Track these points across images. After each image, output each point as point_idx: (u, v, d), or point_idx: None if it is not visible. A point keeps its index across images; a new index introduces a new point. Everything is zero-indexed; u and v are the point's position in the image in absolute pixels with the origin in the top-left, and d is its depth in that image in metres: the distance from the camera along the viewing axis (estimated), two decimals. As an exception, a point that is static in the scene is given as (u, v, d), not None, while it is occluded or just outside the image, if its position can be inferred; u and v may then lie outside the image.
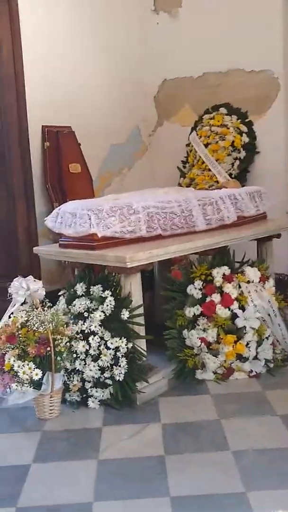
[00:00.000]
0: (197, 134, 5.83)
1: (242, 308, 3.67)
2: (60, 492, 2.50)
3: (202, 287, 3.71)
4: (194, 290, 3.72)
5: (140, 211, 3.44)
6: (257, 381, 3.61)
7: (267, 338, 3.74)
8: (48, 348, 3.03)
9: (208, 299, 3.67)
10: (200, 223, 3.78)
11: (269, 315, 3.75)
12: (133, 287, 3.33)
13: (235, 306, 3.65)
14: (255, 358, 3.68)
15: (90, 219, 3.22)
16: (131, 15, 6.10)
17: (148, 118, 6.41)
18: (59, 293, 3.57)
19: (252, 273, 3.79)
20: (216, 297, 3.66)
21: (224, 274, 3.74)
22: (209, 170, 5.66)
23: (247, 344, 3.64)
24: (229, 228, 3.99)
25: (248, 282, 3.76)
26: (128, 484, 2.53)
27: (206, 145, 5.71)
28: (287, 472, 2.55)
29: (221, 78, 5.78)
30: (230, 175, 5.56)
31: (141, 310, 3.36)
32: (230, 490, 2.45)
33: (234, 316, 3.66)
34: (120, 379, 3.24)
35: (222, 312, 3.62)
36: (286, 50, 5.38)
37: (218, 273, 3.73)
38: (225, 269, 3.75)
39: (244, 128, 5.60)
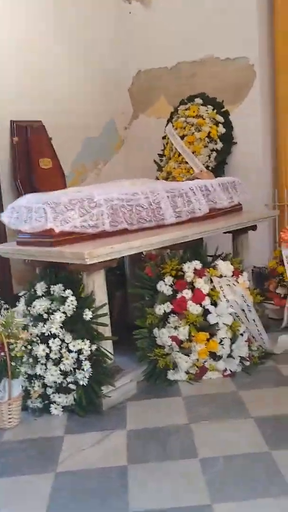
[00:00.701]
0: (173, 126, 5.59)
1: (215, 304, 3.44)
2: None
3: (172, 283, 3.49)
4: (164, 286, 3.49)
5: (102, 204, 3.20)
6: (231, 380, 3.38)
7: (241, 334, 3.51)
8: (3, 353, 2.79)
9: (179, 296, 3.44)
10: (169, 216, 3.54)
11: (243, 310, 3.52)
12: (97, 285, 3.10)
13: (207, 302, 3.43)
14: (230, 356, 3.45)
15: (46, 213, 2.97)
16: (103, 4, 5.85)
17: (124, 111, 6.17)
18: (19, 294, 3.32)
19: (225, 267, 3.57)
20: (187, 293, 3.43)
21: (195, 269, 3.51)
22: (186, 162, 5.43)
23: (221, 341, 3.42)
24: (200, 221, 3.76)
25: (221, 276, 3.53)
26: (85, 500, 2.29)
27: (182, 137, 5.48)
28: (257, 480, 2.32)
29: (196, 68, 5.54)
30: (207, 167, 5.33)
31: (105, 310, 3.13)
32: (195, 502, 2.22)
33: (206, 312, 3.43)
34: (84, 384, 3.01)
35: (194, 308, 3.39)
36: (261, 36, 5.15)
37: (189, 268, 3.50)
38: (197, 264, 3.52)
39: (220, 119, 5.37)
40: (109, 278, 3.90)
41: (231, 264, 3.66)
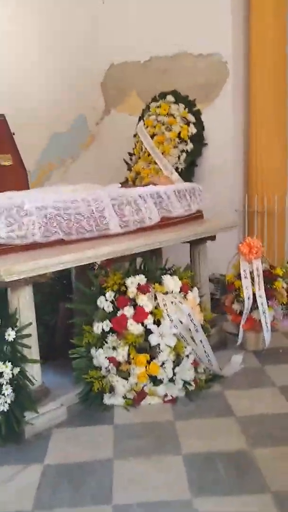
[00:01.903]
0: (144, 124, 5.25)
1: (158, 323, 3.13)
2: None
3: (114, 299, 3.17)
4: (105, 302, 3.17)
5: (33, 213, 2.88)
6: (171, 407, 3.08)
7: (187, 356, 3.20)
8: None
9: (119, 313, 3.13)
10: (113, 225, 3.22)
11: (190, 330, 3.21)
12: (22, 302, 2.79)
13: (149, 321, 3.11)
14: (172, 380, 3.14)
15: None
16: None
17: (95, 106, 5.82)
18: None
19: (172, 282, 3.25)
20: (128, 311, 3.12)
21: (139, 284, 3.19)
22: (156, 163, 5.09)
23: (162, 364, 3.11)
24: (151, 231, 3.43)
25: (166, 293, 3.21)
26: None
27: (152, 136, 5.14)
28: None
29: (168, 63, 5.19)
30: (176, 169, 5.00)
31: (31, 330, 2.81)
32: None
33: (148, 332, 3.12)
34: (5, 410, 2.70)
35: (134, 328, 3.08)
36: (235, 32, 4.81)
37: (133, 283, 3.19)
38: (141, 279, 3.20)
39: (191, 118, 5.03)
40: (55, 289, 3.62)
41: (180, 278, 3.34)
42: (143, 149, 5.22)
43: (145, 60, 5.35)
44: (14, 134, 5.00)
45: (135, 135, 5.37)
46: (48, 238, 2.94)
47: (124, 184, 3.84)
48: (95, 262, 3.44)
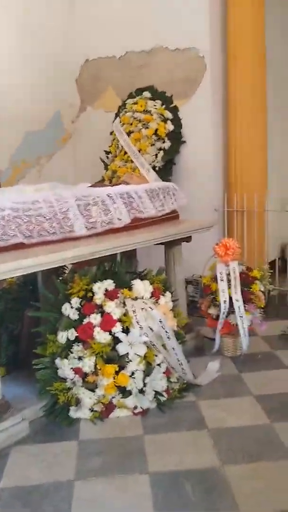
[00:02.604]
0: (120, 121, 5.06)
1: (127, 330, 2.94)
2: None
3: (80, 306, 2.97)
4: (70, 309, 2.97)
5: (-10, 215, 2.67)
6: (141, 420, 2.88)
7: (158, 365, 3.01)
8: None
9: (85, 321, 2.93)
10: (78, 227, 3.02)
11: (162, 337, 3.01)
12: (-23, 311, 2.58)
13: (117, 328, 2.92)
14: (142, 391, 2.95)
15: None
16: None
17: (71, 103, 5.61)
18: None
19: (142, 287, 3.05)
20: (95, 318, 2.92)
21: (106, 290, 2.99)
22: (132, 161, 4.90)
23: (132, 374, 2.92)
24: (120, 232, 3.24)
25: (136, 298, 3.02)
26: None
27: (129, 134, 4.95)
28: None
29: (145, 58, 5.00)
30: (153, 167, 4.81)
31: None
32: None
33: (116, 341, 2.92)
34: None
35: (101, 336, 2.89)
36: (212, 26, 4.62)
37: (100, 288, 2.99)
38: (109, 284, 3.01)
39: (168, 115, 4.84)
40: (20, 295, 3.41)
41: (152, 283, 3.15)
42: (119, 147, 5.03)
43: (120, 55, 5.15)
44: (-16, 132, 4.79)
45: (111, 133, 5.17)
46: (7, 242, 2.73)
47: (98, 183, 3.65)
48: (65, 266, 3.25)
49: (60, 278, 3.39)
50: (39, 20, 5.19)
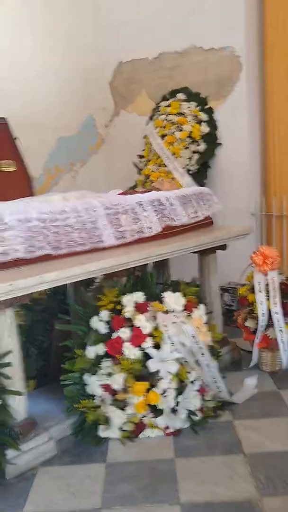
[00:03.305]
0: (154, 124, 4.90)
1: (158, 346, 2.76)
2: None
3: (109, 319, 2.82)
4: (99, 322, 2.82)
5: (15, 226, 2.55)
6: (173, 441, 2.70)
7: (192, 383, 2.83)
8: None
9: (114, 335, 2.77)
10: (107, 237, 2.87)
11: (194, 353, 2.82)
12: (1, 327, 2.45)
13: (148, 344, 2.75)
14: (174, 410, 2.77)
15: None
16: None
17: (105, 107, 5.48)
18: None
19: (173, 300, 2.87)
20: (124, 333, 2.76)
21: (136, 303, 2.83)
22: (166, 165, 4.73)
23: (163, 392, 2.74)
24: (151, 241, 3.07)
25: (167, 312, 2.84)
26: None
27: (162, 137, 4.78)
28: None
29: (179, 59, 4.82)
30: (187, 171, 4.63)
31: (13, 358, 2.48)
32: None
33: (147, 357, 2.75)
34: (-18, 447, 2.38)
35: (130, 352, 2.72)
36: (248, 23, 4.39)
37: (129, 301, 2.83)
38: (139, 296, 2.84)
39: (203, 116, 4.64)
40: (49, 306, 3.29)
41: (184, 295, 2.96)
42: (152, 151, 4.87)
43: (154, 56, 4.99)
44: (16, 138, 4.70)
45: (144, 137, 5.01)
46: (33, 254, 2.60)
47: (128, 190, 3.48)
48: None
49: (90, 288, 3.26)
50: (70, 24, 5.09)
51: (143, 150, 5.03)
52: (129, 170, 5.16)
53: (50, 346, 3.25)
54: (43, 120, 4.97)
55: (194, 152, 4.63)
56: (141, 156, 5.07)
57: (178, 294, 2.91)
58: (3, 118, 4.67)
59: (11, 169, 4.65)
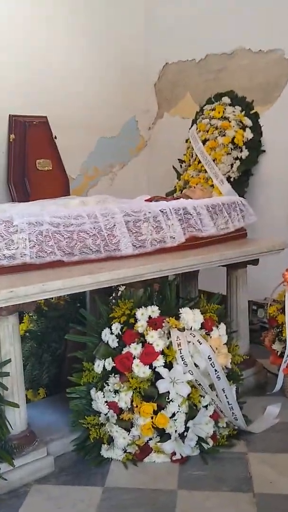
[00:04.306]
0: (197, 128, 4.69)
1: (170, 365, 2.56)
2: None
3: (120, 333, 2.64)
4: (110, 335, 2.65)
5: (25, 229, 2.42)
6: (179, 469, 2.49)
7: (205, 407, 2.60)
8: None
9: (125, 350, 2.59)
10: (124, 246, 2.69)
11: (211, 376, 2.60)
12: (2, 334, 2.32)
13: (159, 362, 2.55)
14: (182, 436, 2.55)
15: None
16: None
17: (149, 109, 5.32)
18: None
19: (191, 317, 2.66)
20: (135, 348, 2.57)
21: (150, 317, 2.63)
22: (206, 171, 4.51)
23: (172, 416, 2.53)
24: (173, 252, 2.87)
25: (184, 329, 2.63)
26: None
27: (204, 142, 4.56)
28: None
29: (225, 61, 4.58)
30: (228, 178, 4.39)
31: (13, 367, 2.34)
32: None
33: (157, 376, 2.55)
34: (-25, 460, 2.26)
35: (140, 370, 2.53)
36: (301, 24, 4.09)
37: (143, 314, 2.64)
38: (153, 310, 2.64)
39: (247, 122, 4.39)
40: (66, 312, 3.15)
41: (204, 312, 2.74)
42: (193, 156, 4.66)
43: (200, 58, 4.77)
44: (56, 138, 4.62)
45: (187, 140, 4.81)
46: (43, 259, 2.46)
47: (156, 197, 3.28)
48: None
49: (112, 298, 3.09)
50: (116, 25, 4.96)
51: (185, 154, 4.83)
52: (170, 174, 4.98)
53: (64, 353, 3.10)
54: (85, 120, 4.86)
55: (236, 158, 4.38)
56: (181, 161, 4.88)
57: (197, 310, 2.69)
58: (44, 116, 4.61)
59: (47, 168, 4.57)
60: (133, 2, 5.03)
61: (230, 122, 4.41)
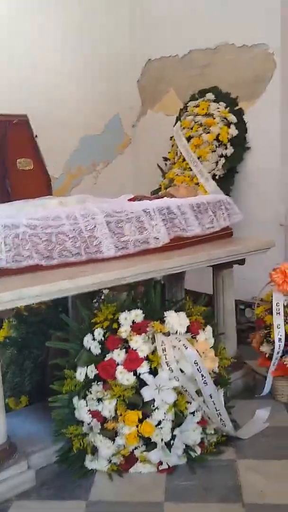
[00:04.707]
0: (181, 125, 4.57)
1: (155, 372, 2.45)
2: None
3: (103, 338, 2.52)
4: (92, 342, 2.53)
5: (0, 232, 2.29)
6: (166, 480, 2.39)
7: (192, 414, 2.50)
8: None
9: (108, 357, 2.48)
10: (106, 247, 2.57)
11: (198, 381, 2.49)
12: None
13: (143, 369, 2.44)
14: (169, 444, 2.45)
15: None
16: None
17: (132, 106, 5.20)
18: None
19: (176, 320, 2.55)
20: (118, 355, 2.46)
21: (133, 321, 2.52)
22: (191, 169, 4.41)
23: (158, 424, 2.42)
24: (157, 253, 2.76)
25: (169, 334, 2.52)
26: None
27: (188, 139, 4.45)
28: None
29: (209, 56, 4.47)
30: (213, 176, 4.28)
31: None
32: None
33: (142, 383, 2.44)
34: None
35: (124, 377, 2.42)
36: (284, 19, 4.00)
37: (127, 319, 2.52)
38: (137, 314, 2.53)
39: (232, 118, 4.29)
40: (46, 316, 3.03)
41: (190, 315, 2.64)
42: (178, 154, 4.56)
43: (184, 53, 4.66)
44: (36, 136, 4.47)
45: (171, 138, 4.70)
46: (19, 264, 2.34)
47: (139, 196, 3.16)
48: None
49: (95, 301, 2.99)
50: (99, 21, 4.83)
51: (169, 152, 4.72)
52: (155, 172, 4.86)
53: (46, 360, 2.98)
54: (67, 118, 4.73)
55: (221, 156, 4.28)
56: (166, 159, 4.76)
57: (182, 313, 2.58)
58: (24, 115, 4.45)
59: (28, 167, 4.43)
60: (116, 1, 4.90)
61: (214, 118, 4.31)
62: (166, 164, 4.78)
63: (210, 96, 4.45)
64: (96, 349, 2.50)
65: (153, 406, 2.42)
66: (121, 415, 2.40)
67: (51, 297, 2.26)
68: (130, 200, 3.05)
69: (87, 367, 2.48)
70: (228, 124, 4.28)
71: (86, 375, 2.48)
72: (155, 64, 4.94)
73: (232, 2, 4.18)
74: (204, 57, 4.51)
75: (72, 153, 4.92)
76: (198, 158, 4.32)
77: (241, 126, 4.30)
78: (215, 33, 4.35)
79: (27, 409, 2.92)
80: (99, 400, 2.44)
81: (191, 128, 4.44)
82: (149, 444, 2.44)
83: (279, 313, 2.91)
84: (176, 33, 4.65)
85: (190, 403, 2.48)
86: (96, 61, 4.88)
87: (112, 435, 2.43)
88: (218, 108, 4.36)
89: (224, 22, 4.28)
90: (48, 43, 4.58)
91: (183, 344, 2.48)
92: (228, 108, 4.34)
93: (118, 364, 2.44)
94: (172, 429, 2.44)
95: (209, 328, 2.67)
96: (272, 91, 4.09)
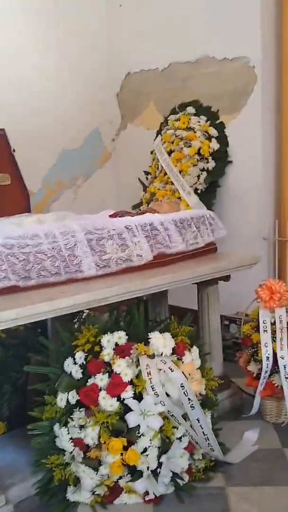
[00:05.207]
0: (161, 139, 4.50)
1: (140, 397, 2.33)
2: None
3: (85, 362, 2.40)
4: (73, 366, 2.40)
5: (-26, 253, 2.16)
6: (153, 510, 2.27)
7: (179, 439, 2.38)
8: None
9: (90, 381, 2.35)
10: (87, 266, 2.46)
11: (184, 406, 2.38)
12: None
13: (128, 394, 2.31)
14: (155, 472, 2.32)
15: None
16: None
17: (111, 120, 5.12)
18: None
19: (161, 342, 2.44)
20: (101, 379, 2.33)
21: (116, 344, 2.40)
22: (173, 183, 4.33)
23: (144, 451, 2.30)
24: (141, 271, 2.65)
25: (153, 356, 2.40)
26: None
27: (170, 153, 4.37)
28: None
29: (190, 70, 4.42)
30: (195, 190, 4.21)
31: None
32: None
33: (126, 408, 2.32)
34: None
35: (107, 403, 2.29)
36: (264, 32, 3.97)
37: (109, 341, 2.40)
38: (120, 336, 2.42)
39: (213, 132, 4.23)
40: (25, 338, 2.89)
41: (175, 335, 2.53)
42: (159, 168, 4.48)
43: (164, 67, 4.60)
44: (14, 150, 4.35)
45: (152, 152, 4.62)
46: (-6, 285, 2.20)
47: (121, 211, 3.05)
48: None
49: (75, 321, 2.85)
50: (77, 35, 4.75)
51: (150, 166, 4.64)
52: (136, 186, 4.78)
53: (25, 384, 2.84)
54: (46, 132, 4.63)
55: (203, 170, 4.21)
56: (147, 173, 4.68)
57: (167, 334, 2.47)
58: (1, 129, 4.34)
59: (5, 183, 4.30)
60: (94, 12, 4.83)
61: (195, 132, 4.24)
62: (147, 178, 4.69)
63: (190, 109, 4.38)
64: (77, 374, 2.38)
65: (138, 432, 2.29)
66: (104, 442, 2.27)
67: (29, 320, 2.14)
68: (111, 216, 2.95)
69: (68, 393, 2.35)
70: (209, 138, 4.22)
71: (67, 401, 2.35)
72: (134, 78, 4.87)
73: (212, 14, 4.14)
74: (184, 70, 4.45)
75: (51, 167, 4.81)
76: (180, 172, 4.25)
77: (223, 139, 4.24)
78: (195, 46, 4.30)
79: (5, 436, 2.76)
80: (82, 427, 2.31)
81: (172, 142, 4.37)
82: (135, 473, 2.31)
83: (266, 330, 2.82)
84: (156, 46, 4.59)
85: (177, 428, 2.37)
86: (74, 75, 4.79)
87: (95, 464, 2.30)
88: (199, 121, 4.29)
89: (205, 35, 4.23)
90: (26, 57, 4.48)
91: (169, 367, 2.37)
92: (209, 121, 4.28)
93: (101, 389, 2.32)
94: (159, 456, 2.32)
95: (195, 349, 2.56)
96: (253, 104, 4.05)
